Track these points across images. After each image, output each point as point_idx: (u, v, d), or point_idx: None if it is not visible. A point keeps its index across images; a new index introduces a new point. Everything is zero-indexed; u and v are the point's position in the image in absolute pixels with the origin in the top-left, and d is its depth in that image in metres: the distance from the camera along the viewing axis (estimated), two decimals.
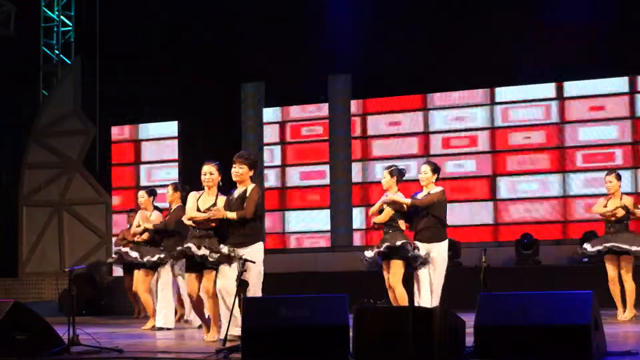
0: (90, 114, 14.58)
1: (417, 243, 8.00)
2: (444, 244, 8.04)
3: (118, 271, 14.46)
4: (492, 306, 5.25)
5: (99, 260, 13.81)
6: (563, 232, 12.81)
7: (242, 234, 7.11)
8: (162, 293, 9.21)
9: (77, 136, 14.48)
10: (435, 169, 8.14)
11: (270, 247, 14.02)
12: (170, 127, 14.85)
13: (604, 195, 9.14)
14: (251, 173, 7.26)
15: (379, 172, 13.17)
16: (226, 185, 7.50)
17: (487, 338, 5.11)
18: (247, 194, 7.14)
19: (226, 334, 6.55)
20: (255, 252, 7.01)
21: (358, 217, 13.73)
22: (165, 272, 9.27)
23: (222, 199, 7.30)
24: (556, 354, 4.93)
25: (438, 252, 7.99)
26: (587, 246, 8.91)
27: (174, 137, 14.81)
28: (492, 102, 13.30)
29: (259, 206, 7.14)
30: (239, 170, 7.19)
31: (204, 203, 7.32)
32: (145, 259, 9.26)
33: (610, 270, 8.77)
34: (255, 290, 6.96)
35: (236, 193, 7.25)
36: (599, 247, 8.76)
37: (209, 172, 7.34)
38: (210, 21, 13.89)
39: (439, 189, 8.11)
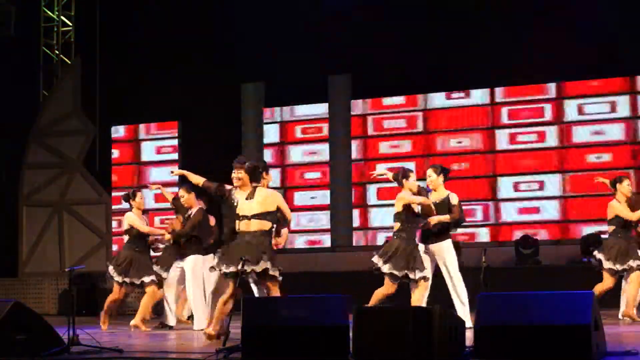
0: (90, 114, 14.59)
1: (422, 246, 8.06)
2: (448, 242, 8.05)
3: None
4: (492, 306, 5.26)
5: None
6: (563, 232, 12.81)
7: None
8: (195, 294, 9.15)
9: (77, 136, 14.49)
10: (441, 171, 8.13)
11: None
12: (170, 127, 14.86)
13: (601, 196, 9.12)
14: (248, 177, 7.21)
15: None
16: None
17: (487, 338, 5.12)
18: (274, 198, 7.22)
19: (226, 334, 6.55)
20: None
21: (358, 217, 13.73)
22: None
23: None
24: (556, 354, 4.93)
25: (445, 248, 8.02)
26: (616, 265, 8.55)
27: (174, 137, 14.81)
28: (492, 102, 13.31)
29: None
30: (237, 175, 7.21)
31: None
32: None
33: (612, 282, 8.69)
34: None
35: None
36: (625, 267, 8.55)
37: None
38: (210, 21, 13.89)
39: (454, 196, 8.10)
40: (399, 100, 13.77)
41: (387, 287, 7.77)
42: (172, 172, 8.56)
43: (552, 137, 12.95)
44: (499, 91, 13.29)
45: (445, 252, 8.02)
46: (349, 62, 13.46)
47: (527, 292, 5.45)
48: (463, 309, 7.87)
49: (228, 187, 7.46)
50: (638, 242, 8.77)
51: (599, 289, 8.49)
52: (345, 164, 13.84)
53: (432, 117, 13.57)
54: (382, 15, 13.23)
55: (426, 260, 7.92)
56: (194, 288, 9.02)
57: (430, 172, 8.13)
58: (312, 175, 14.10)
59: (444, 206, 8.01)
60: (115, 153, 15.00)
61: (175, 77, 13.82)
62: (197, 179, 7.71)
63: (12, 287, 14.05)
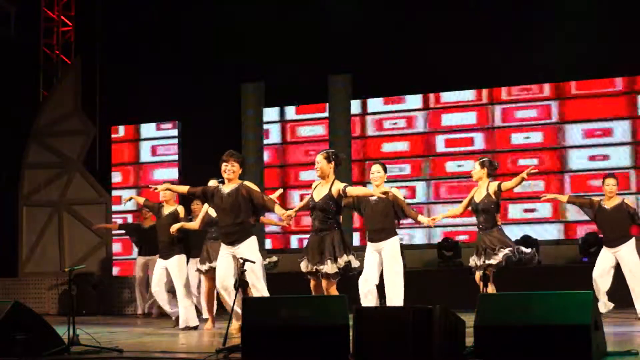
0: (90, 114, 14.58)
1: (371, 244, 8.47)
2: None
3: (115, 271, 14.50)
4: (492, 306, 5.26)
5: None
6: (563, 232, 12.80)
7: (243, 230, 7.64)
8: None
9: (77, 136, 14.48)
10: (386, 169, 8.49)
11: (271, 247, 14.04)
12: (170, 127, 14.85)
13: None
14: (240, 171, 7.70)
15: None
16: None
17: (487, 338, 5.12)
18: (252, 192, 7.52)
19: (226, 334, 6.55)
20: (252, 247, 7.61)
21: (358, 217, 13.71)
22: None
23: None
24: (556, 354, 4.93)
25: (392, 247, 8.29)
26: None
27: (174, 137, 14.81)
28: (492, 102, 13.31)
29: None
30: (232, 168, 7.56)
31: None
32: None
33: None
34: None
35: (227, 190, 7.58)
36: None
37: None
38: (210, 21, 13.89)
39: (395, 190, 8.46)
40: (398, 100, 13.76)
41: None
42: (155, 188, 8.61)
43: (552, 136, 12.94)
44: (499, 91, 13.28)
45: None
46: (349, 62, 13.45)
47: (527, 292, 5.45)
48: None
49: (212, 185, 7.68)
50: None
51: None
52: (345, 164, 13.81)
53: (432, 117, 13.56)
54: (382, 15, 13.23)
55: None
56: (181, 287, 9.19)
57: (379, 168, 8.43)
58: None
59: (386, 200, 8.27)
60: (115, 153, 14.98)
61: (175, 77, 13.81)
62: (182, 189, 7.99)
63: (12, 287, 14.05)
